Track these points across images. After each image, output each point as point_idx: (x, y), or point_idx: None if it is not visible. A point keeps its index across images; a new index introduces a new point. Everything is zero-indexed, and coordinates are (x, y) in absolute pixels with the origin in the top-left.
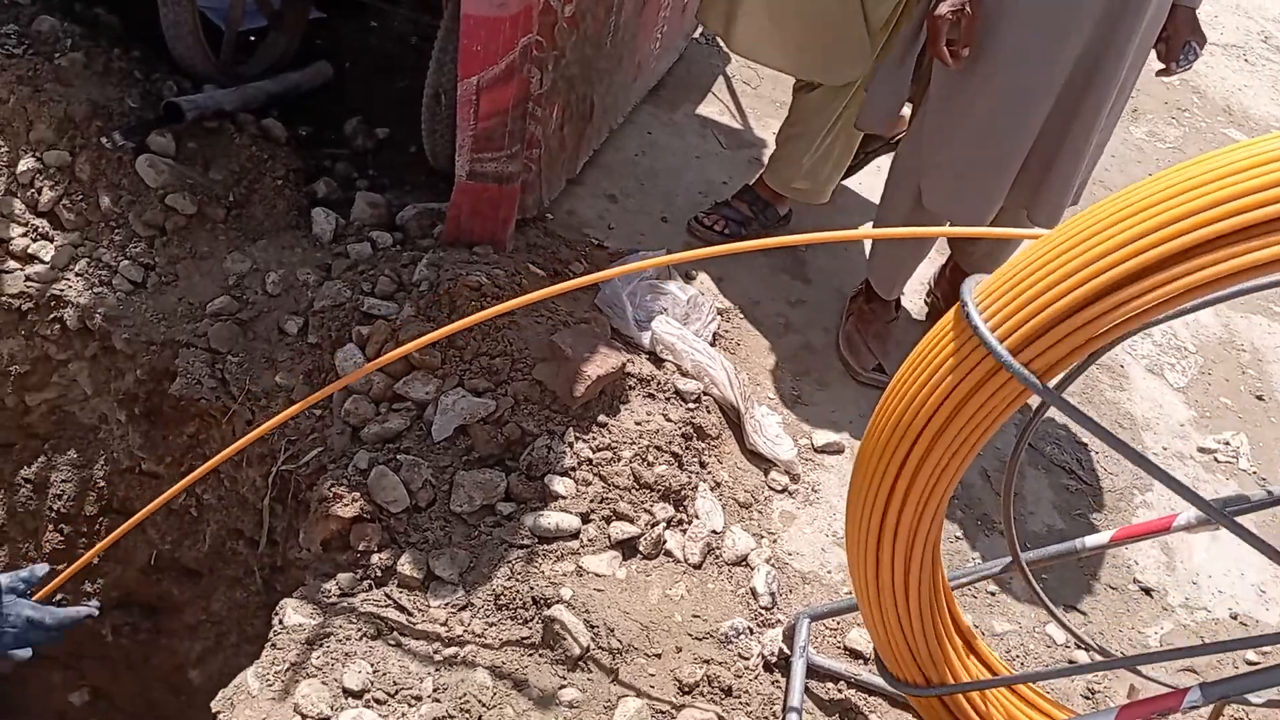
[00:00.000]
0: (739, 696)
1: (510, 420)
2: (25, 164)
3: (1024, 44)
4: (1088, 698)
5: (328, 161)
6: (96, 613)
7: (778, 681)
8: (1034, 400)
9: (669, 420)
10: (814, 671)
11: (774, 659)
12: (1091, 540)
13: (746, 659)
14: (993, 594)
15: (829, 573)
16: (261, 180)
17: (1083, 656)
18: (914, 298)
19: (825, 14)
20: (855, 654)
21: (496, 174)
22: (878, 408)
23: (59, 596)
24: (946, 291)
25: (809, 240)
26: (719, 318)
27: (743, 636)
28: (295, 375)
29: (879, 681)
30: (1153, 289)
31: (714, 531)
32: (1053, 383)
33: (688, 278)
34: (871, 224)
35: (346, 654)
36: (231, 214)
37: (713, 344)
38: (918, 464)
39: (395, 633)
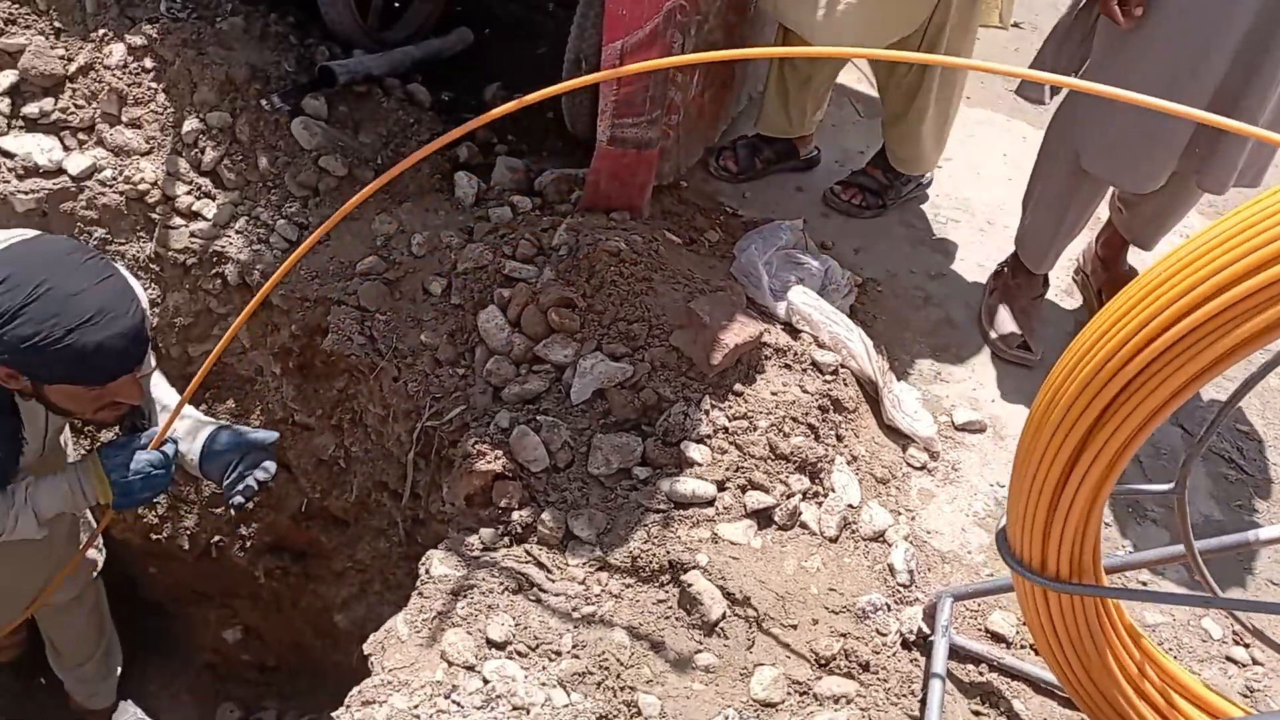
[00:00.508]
0: (876, 672)
1: (647, 386)
2: (190, 124)
3: (1196, 1)
4: (1246, 695)
5: None
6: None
7: (916, 660)
8: (1222, 394)
9: (805, 392)
10: (955, 652)
11: (912, 637)
12: (1266, 533)
13: (884, 635)
14: (1144, 584)
15: (969, 553)
16: (407, 144)
17: (1240, 653)
18: (1060, 274)
19: None
20: (997, 637)
21: (636, 139)
22: (1057, 368)
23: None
24: (1097, 267)
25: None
26: (856, 289)
27: (880, 613)
28: (439, 335)
29: (1024, 666)
30: None
31: (850, 506)
32: None
33: (824, 248)
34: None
35: (489, 606)
36: (379, 176)
37: (850, 316)
38: (1112, 415)
39: (535, 588)
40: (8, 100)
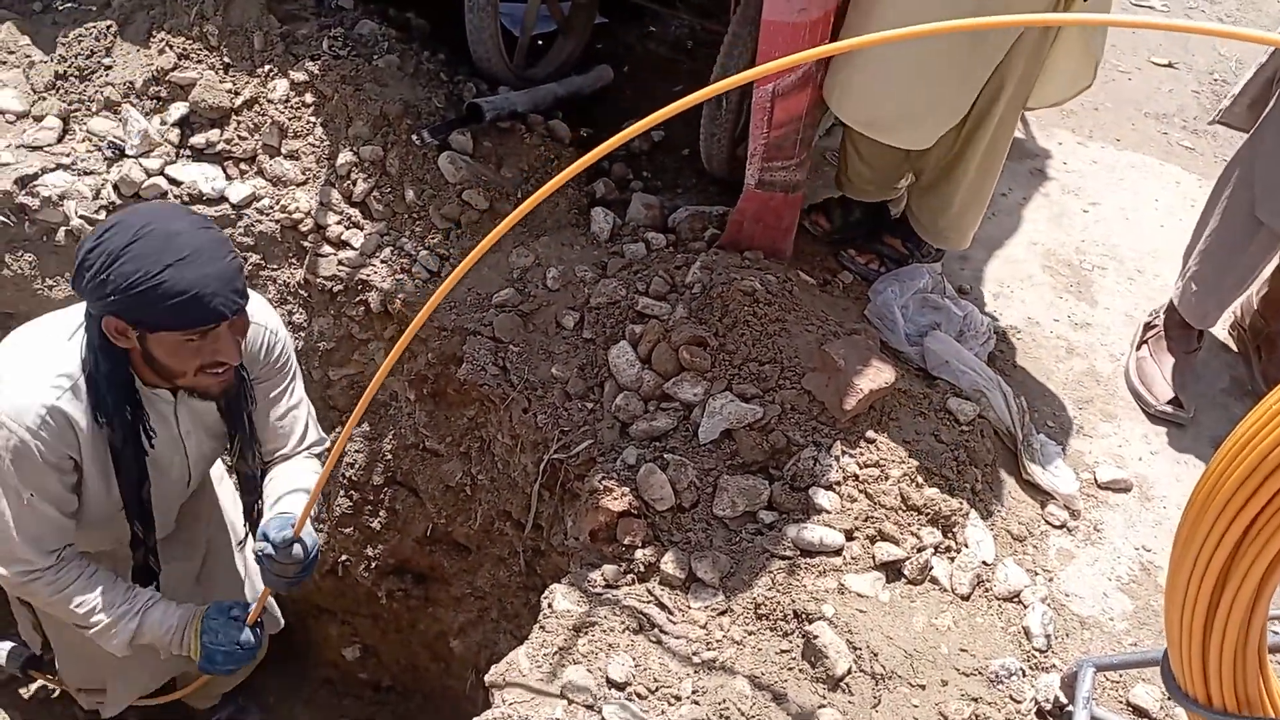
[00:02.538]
0: None
1: (776, 428)
2: (344, 157)
3: None
4: None
5: (605, 162)
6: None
7: None
8: None
9: (940, 441)
10: None
11: (1049, 706)
12: None
13: (1019, 702)
14: None
15: (1111, 620)
16: (547, 179)
17: None
18: (1218, 326)
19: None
20: (1140, 711)
21: (784, 182)
22: (1210, 465)
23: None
24: (1257, 322)
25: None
26: (995, 337)
27: (1014, 678)
28: (570, 368)
29: None
30: None
31: (984, 563)
32: None
33: (962, 292)
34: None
35: (610, 645)
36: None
37: (988, 364)
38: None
39: (656, 629)
40: (177, 131)
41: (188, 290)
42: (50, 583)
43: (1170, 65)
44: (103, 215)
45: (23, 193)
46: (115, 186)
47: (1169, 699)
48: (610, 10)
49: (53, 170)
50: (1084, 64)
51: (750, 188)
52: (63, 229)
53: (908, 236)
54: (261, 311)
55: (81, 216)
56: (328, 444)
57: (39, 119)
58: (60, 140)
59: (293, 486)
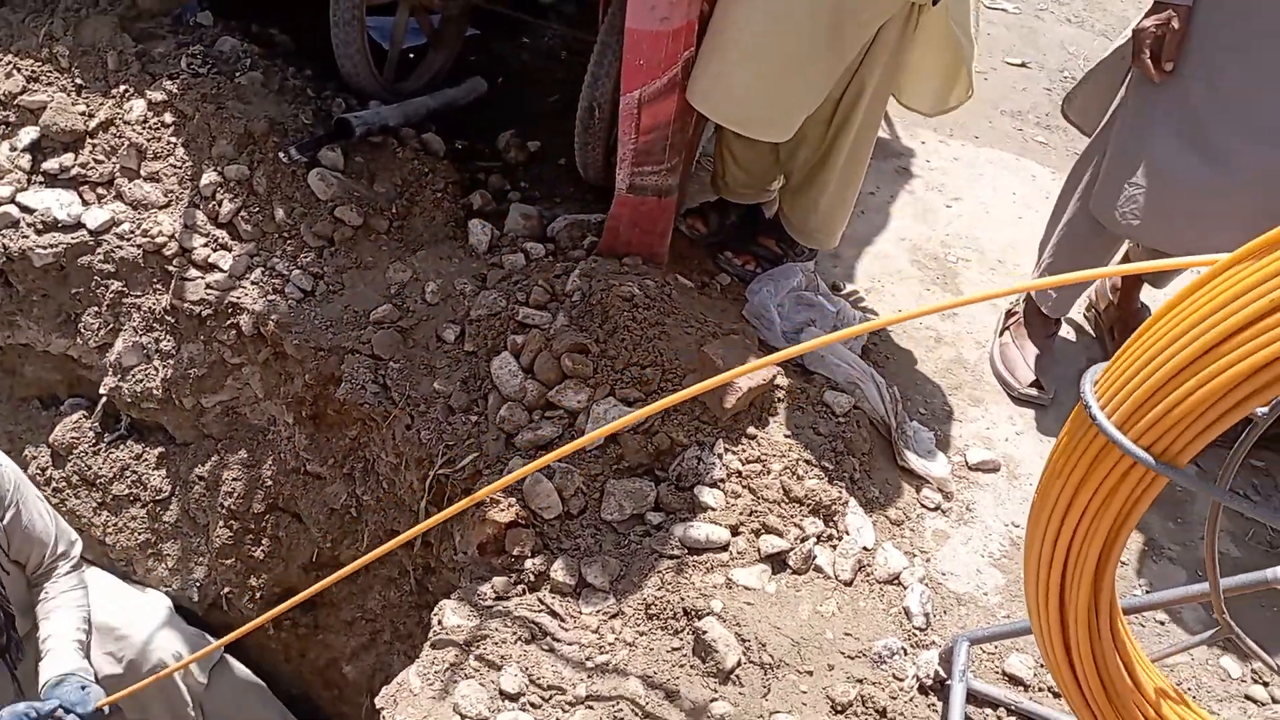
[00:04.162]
0: (893, 718)
1: (660, 430)
2: (208, 177)
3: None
4: None
5: (482, 174)
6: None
7: (934, 705)
8: None
9: (818, 434)
10: (973, 697)
11: (929, 682)
12: None
13: (901, 680)
14: (1162, 623)
15: (985, 595)
16: (422, 193)
17: (1260, 692)
18: (1075, 310)
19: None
20: (1015, 680)
21: (656, 187)
22: (1039, 484)
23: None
24: (1110, 304)
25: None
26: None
27: (897, 657)
28: (452, 382)
29: (1042, 710)
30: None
31: (865, 548)
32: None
33: (835, 289)
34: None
35: (503, 657)
36: (394, 225)
37: (862, 357)
38: (1073, 550)
39: (549, 638)
40: (28, 156)
41: None
42: None
43: (1024, 65)
44: None
45: None
46: None
47: (1041, 666)
48: (481, 22)
49: None
50: (957, 69)
51: (622, 193)
52: None
53: (781, 237)
54: None
55: None
56: (79, 545)
57: None
58: None
59: (61, 636)
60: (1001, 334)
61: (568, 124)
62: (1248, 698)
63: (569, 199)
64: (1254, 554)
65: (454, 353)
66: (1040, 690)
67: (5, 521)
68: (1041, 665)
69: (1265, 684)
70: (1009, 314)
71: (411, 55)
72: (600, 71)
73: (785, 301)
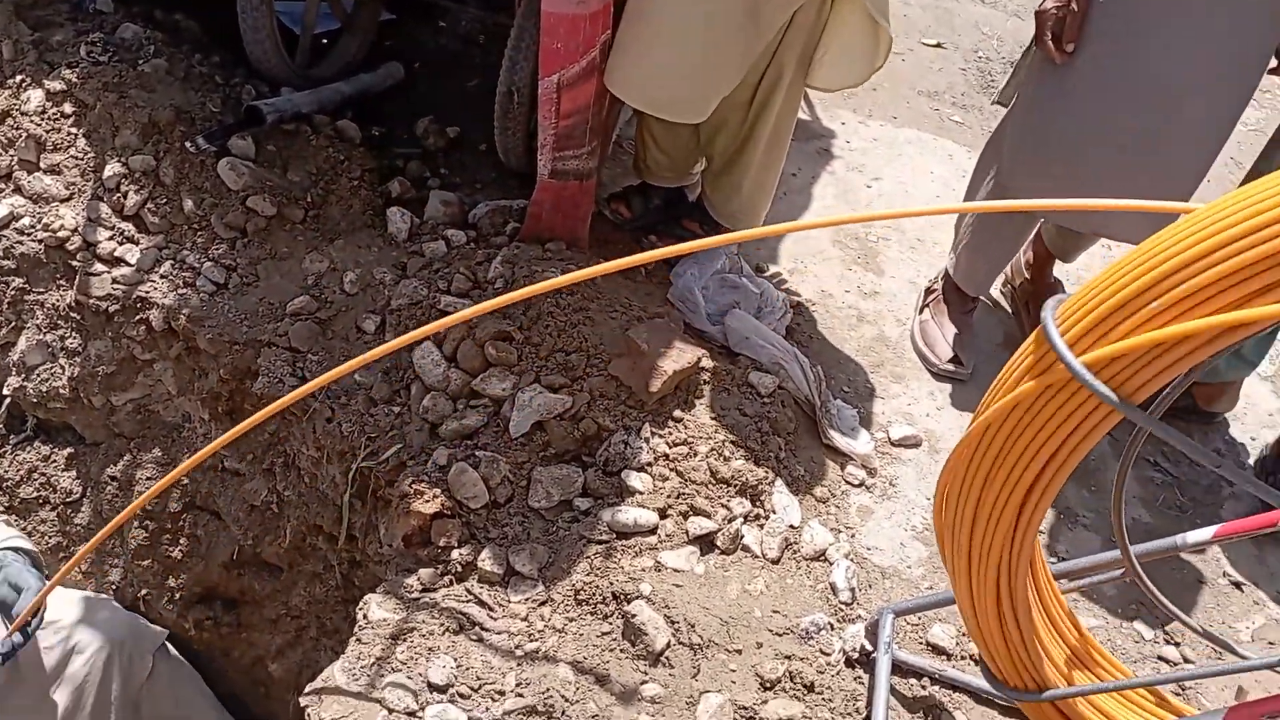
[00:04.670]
0: (821, 693)
1: (586, 416)
2: (111, 169)
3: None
4: (1178, 694)
5: (400, 161)
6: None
7: (860, 678)
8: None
9: (744, 415)
10: (898, 668)
11: (856, 655)
12: (1193, 536)
13: (828, 655)
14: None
15: (909, 567)
16: (338, 181)
17: (1171, 653)
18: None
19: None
20: (939, 650)
21: (577, 171)
22: (970, 424)
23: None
24: (1024, 280)
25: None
26: (791, 311)
27: (823, 632)
28: (373, 373)
29: (964, 678)
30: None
31: (791, 526)
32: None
33: (759, 270)
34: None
35: (430, 649)
36: (309, 215)
37: (786, 337)
38: (1008, 485)
39: (477, 628)
40: None
41: None
42: None
43: (939, 45)
44: None
45: None
46: None
47: (963, 635)
48: (397, 6)
49: None
50: (873, 44)
51: (544, 178)
52: None
53: (705, 220)
54: None
55: None
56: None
57: None
58: None
59: None
60: (921, 311)
61: (487, 109)
62: (1160, 659)
63: (490, 185)
64: (1165, 519)
65: (374, 343)
66: (962, 659)
67: None
68: (964, 634)
69: (1177, 644)
70: (928, 291)
71: (325, 41)
72: (518, 56)
73: (710, 284)
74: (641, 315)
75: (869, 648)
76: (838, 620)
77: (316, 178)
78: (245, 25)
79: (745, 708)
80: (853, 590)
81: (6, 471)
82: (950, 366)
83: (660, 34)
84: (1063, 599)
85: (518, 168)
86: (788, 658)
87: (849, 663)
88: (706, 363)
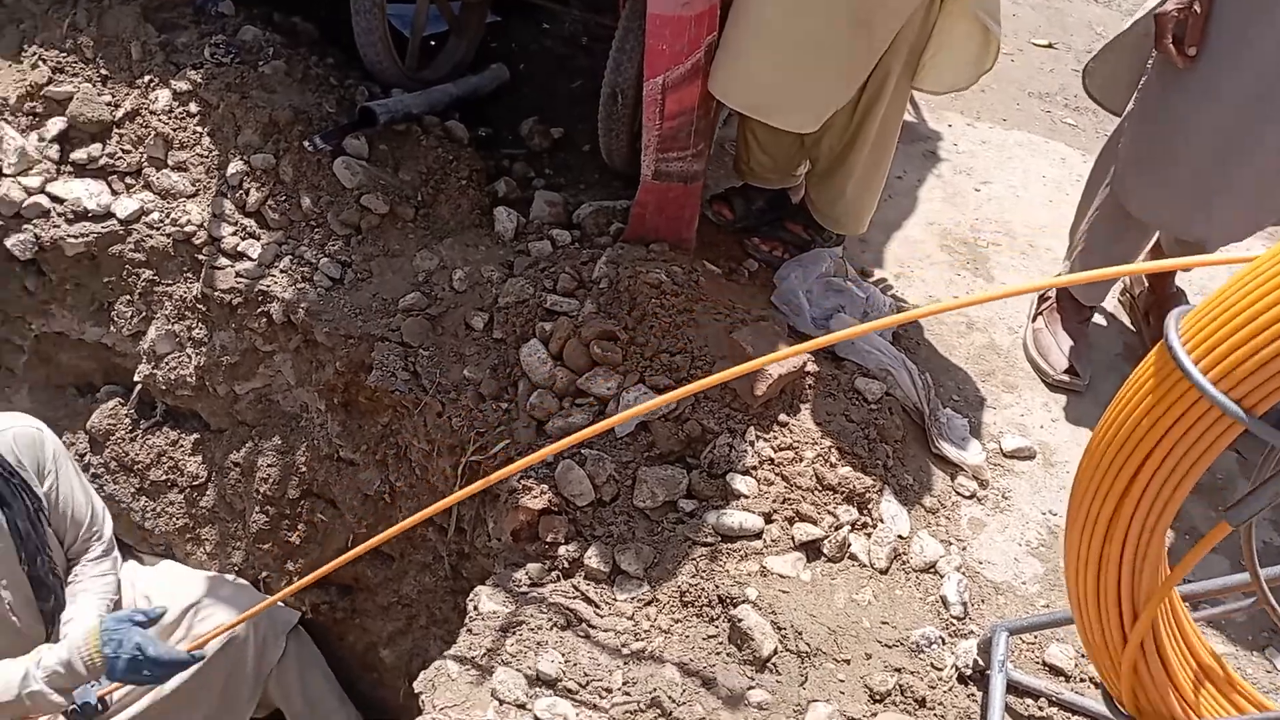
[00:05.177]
0: (933, 708)
1: (691, 418)
2: (234, 166)
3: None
4: None
5: (506, 161)
6: (200, 661)
7: (973, 695)
8: None
9: (851, 421)
10: (1013, 687)
11: (968, 671)
12: None
13: (939, 670)
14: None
15: (1023, 584)
16: (447, 180)
17: None
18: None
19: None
20: (1055, 670)
21: (681, 173)
22: (1092, 437)
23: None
24: (1144, 289)
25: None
26: None
27: (935, 646)
28: (482, 369)
29: (1083, 701)
30: None
31: (900, 536)
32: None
33: (864, 274)
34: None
35: (539, 643)
36: (420, 213)
37: (892, 343)
38: (1132, 499)
39: (584, 624)
40: (56, 147)
41: None
42: None
43: (1050, 46)
44: None
45: None
46: None
47: (1082, 656)
48: (503, 8)
49: None
50: (982, 46)
51: (647, 179)
52: None
53: (809, 222)
54: (17, 418)
55: None
56: (111, 526)
57: None
58: None
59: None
60: (1035, 319)
61: (591, 110)
62: None
63: (594, 185)
64: None
65: (483, 340)
66: (1081, 680)
67: (46, 487)
68: (1082, 655)
69: None
70: (1042, 299)
71: (433, 43)
72: (622, 57)
73: (814, 287)
74: (745, 318)
75: (982, 665)
76: (949, 635)
77: (426, 177)
78: (359, 28)
79: (854, 719)
80: (965, 605)
81: (138, 455)
82: (1066, 377)
83: (761, 40)
84: (1191, 621)
85: (621, 168)
86: (898, 670)
87: (961, 679)
88: (811, 367)
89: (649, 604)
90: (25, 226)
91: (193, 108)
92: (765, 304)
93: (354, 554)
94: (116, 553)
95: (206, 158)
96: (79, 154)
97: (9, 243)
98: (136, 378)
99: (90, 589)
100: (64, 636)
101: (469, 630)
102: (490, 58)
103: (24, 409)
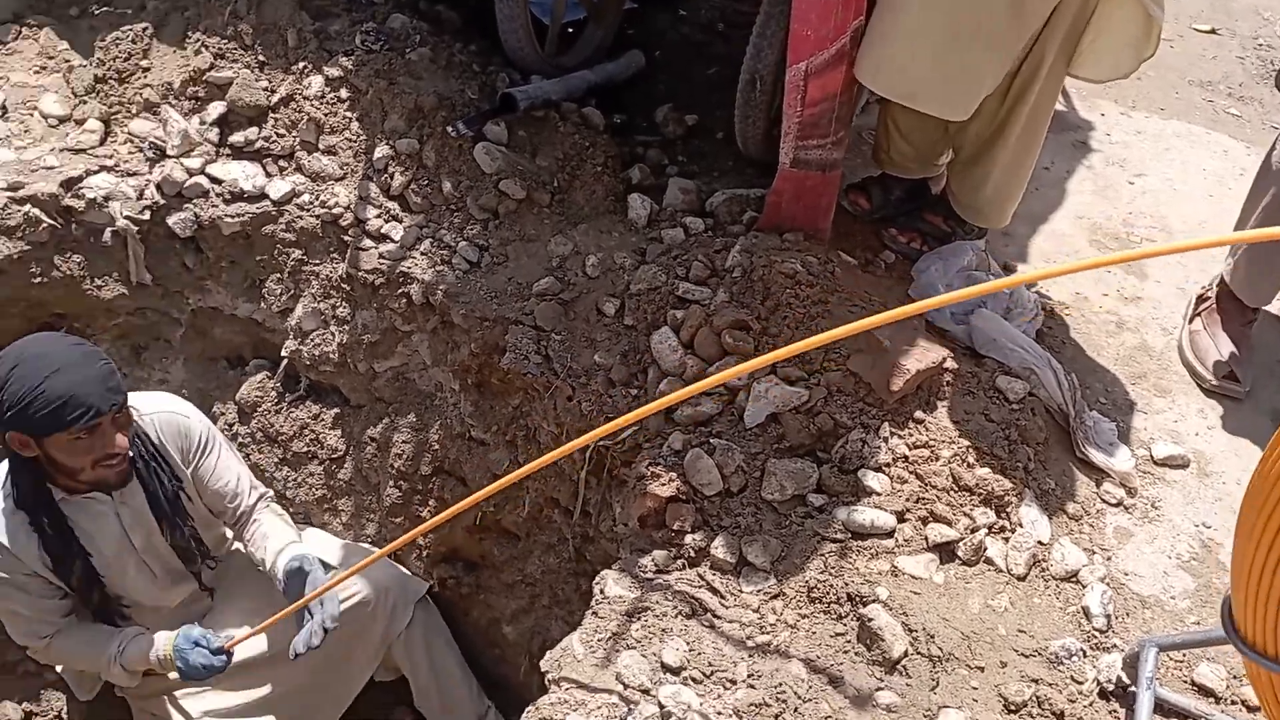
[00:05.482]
0: None
1: (823, 411)
2: (380, 151)
3: None
4: None
5: (640, 148)
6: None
7: (1115, 712)
8: None
9: (990, 420)
10: (1159, 706)
11: (1111, 686)
12: None
13: (1080, 683)
14: None
15: (1172, 599)
16: (582, 167)
17: None
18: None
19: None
20: (1206, 691)
21: (820, 161)
22: (1261, 463)
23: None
24: None
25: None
26: (1042, 313)
27: (1075, 659)
28: (613, 355)
29: None
30: None
31: (1040, 542)
32: None
33: (1007, 269)
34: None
35: (663, 630)
36: (555, 199)
37: (1037, 341)
38: None
39: (709, 614)
40: (216, 130)
41: (65, 394)
42: (50, 652)
43: (1213, 31)
44: (148, 216)
45: (69, 195)
46: (158, 187)
47: (1235, 678)
48: None
49: (96, 172)
50: (1144, 32)
51: (785, 167)
52: (109, 230)
53: (949, 213)
54: (168, 402)
55: (127, 217)
56: (272, 493)
57: (80, 122)
58: (102, 142)
59: (286, 542)
60: (1192, 320)
61: (725, 97)
62: None
63: (728, 173)
64: None
65: (614, 326)
66: (1232, 703)
67: (192, 469)
68: (1236, 677)
69: None
70: (1200, 299)
71: (571, 30)
72: (763, 42)
73: (954, 281)
74: (882, 310)
75: (1126, 681)
76: (1091, 647)
77: (563, 163)
78: (501, 15)
79: None
80: (1108, 617)
81: (282, 427)
82: (1225, 383)
83: (917, 23)
84: None
85: (756, 156)
86: (1035, 681)
87: (1103, 694)
88: (950, 363)
89: (775, 597)
90: (186, 206)
91: (343, 93)
92: (902, 297)
93: (447, 516)
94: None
95: (354, 142)
96: (237, 137)
97: (171, 221)
98: (283, 353)
99: (276, 525)
100: (276, 555)
101: (594, 613)
102: (627, 45)
103: (179, 380)
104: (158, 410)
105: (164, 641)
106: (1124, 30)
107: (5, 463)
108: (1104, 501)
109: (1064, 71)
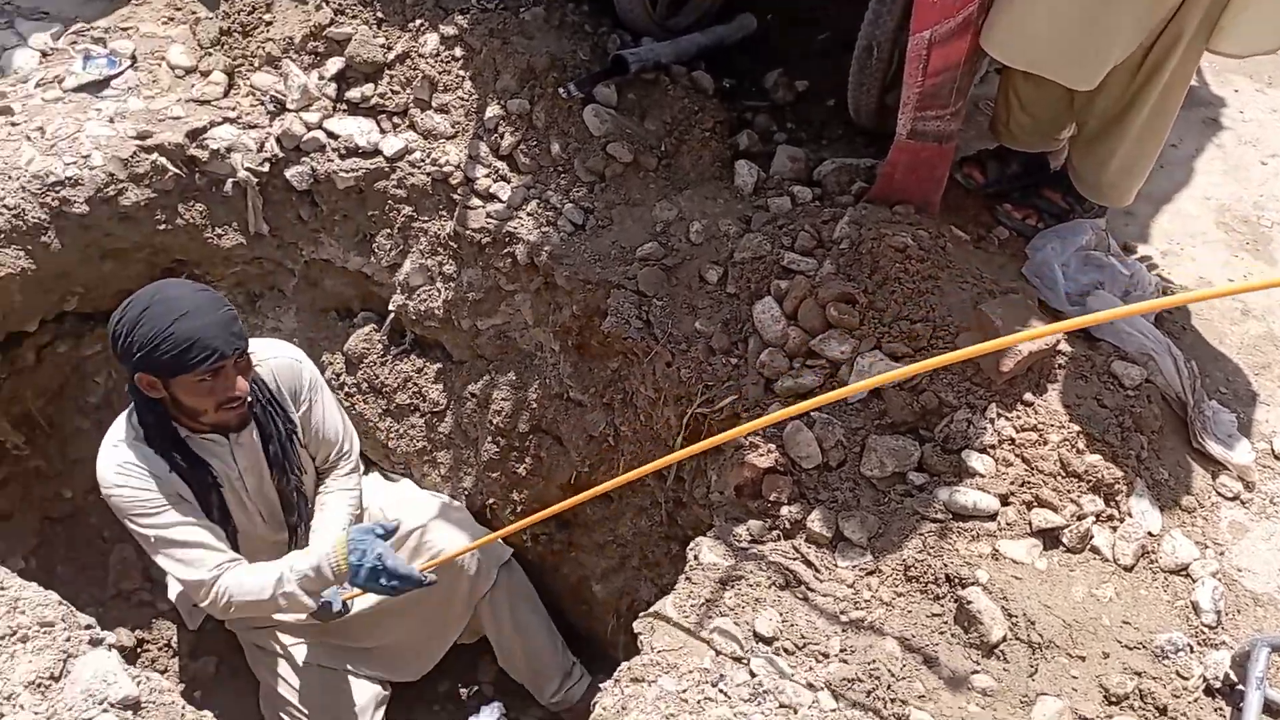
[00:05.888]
0: (1175, 718)
1: (928, 389)
2: (491, 110)
3: None
4: None
5: (749, 114)
6: (432, 584)
7: (1221, 710)
8: None
9: (1103, 406)
10: (1269, 707)
11: (1218, 684)
12: None
13: (1186, 679)
14: None
15: None
16: (690, 132)
17: None
18: None
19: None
20: None
21: (937, 133)
22: None
23: None
24: None
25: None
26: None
27: (1182, 654)
28: (713, 323)
29: None
30: None
31: (1150, 533)
32: None
33: (1127, 249)
34: None
35: (756, 600)
36: (662, 163)
37: (1156, 326)
38: None
39: (803, 586)
40: (334, 85)
41: (192, 337)
42: (218, 595)
43: None
44: (267, 168)
45: (193, 145)
46: (278, 140)
47: None
48: None
49: (220, 124)
50: None
51: (902, 138)
52: (230, 180)
53: (1068, 190)
54: (282, 348)
55: (248, 169)
56: (358, 447)
57: (205, 74)
58: (226, 94)
59: (329, 522)
60: None
61: (837, 64)
62: None
63: (837, 141)
64: None
65: (716, 294)
66: None
67: (301, 413)
68: None
69: None
70: None
71: None
72: (883, 9)
73: (1071, 261)
74: (994, 289)
75: (1234, 679)
76: (1198, 643)
77: (671, 127)
78: None
79: (1086, 719)
80: (1218, 613)
81: (386, 379)
82: None
83: None
84: None
85: (868, 125)
86: (1138, 674)
87: (1209, 691)
88: (1064, 346)
89: (871, 574)
90: (303, 159)
91: (457, 52)
92: (1015, 275)
93: (578, 500)
94: (362, 470)
95: (466, 101)
96: (353, 93)
97: (289, 173)
98: (390, 306)
99: (339, 500)
100: (311, 544)
101: (688, 579)
102: (739, 7)
103: (290, 329)
104: (274, 355)
105: (331, 545)
106: (1271, 5)
107: (125, 413)
108: (1219, 495)
109: (1203, 47)
